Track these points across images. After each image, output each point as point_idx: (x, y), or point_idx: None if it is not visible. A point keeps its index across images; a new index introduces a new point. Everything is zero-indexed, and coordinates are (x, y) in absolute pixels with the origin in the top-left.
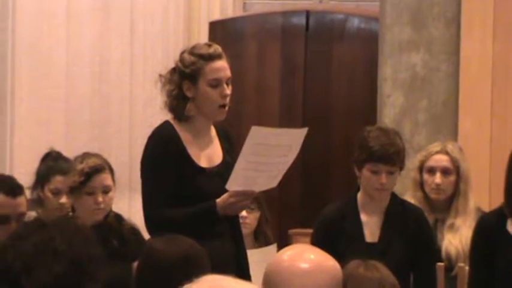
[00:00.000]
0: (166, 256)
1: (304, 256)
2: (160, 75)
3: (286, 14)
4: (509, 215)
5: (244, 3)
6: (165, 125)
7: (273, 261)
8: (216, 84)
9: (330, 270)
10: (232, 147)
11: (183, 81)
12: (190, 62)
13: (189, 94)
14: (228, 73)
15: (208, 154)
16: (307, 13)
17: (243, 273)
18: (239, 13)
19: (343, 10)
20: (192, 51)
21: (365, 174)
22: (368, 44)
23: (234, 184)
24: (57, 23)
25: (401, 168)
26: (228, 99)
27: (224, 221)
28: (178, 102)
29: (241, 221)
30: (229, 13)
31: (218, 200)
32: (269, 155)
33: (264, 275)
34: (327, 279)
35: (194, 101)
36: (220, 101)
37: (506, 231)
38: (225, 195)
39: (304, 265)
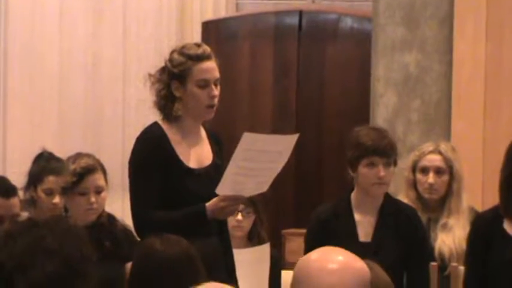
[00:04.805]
0: (168, 256)
1: (332, 257)
2: (150, 74)
3: (279, 14)
4: (504, 214)
5: (237, 3)
6: (154, 126)
7: (301, 262)
8: (204, 84)
9: (357, 271)
10: (221, 150)
11: (172, 80)
12: (179, 62)
13: (177, 94)
14: (217, 74)
15: (198, 155)
16: (300, 13)
17: (230, 273)
18: (232, 13)
19: (336, 10)
20: (181, 51)
21: (362, 171)
22: (361, 43)
23: (224, 188)
24: (49, 24)
25: (395, 163)
26: (215, 100)
27: (213, 220)
28: (166, 102)
29: (236, 224)
30: (222, 13)
31: (208, 204)
32: (259, 161)
33: (292, 277)
34: (354, 280)
35: (182, 101)
36: (207, 102)
37: (503, 230)
38: (214, 200)
39: (332, 265)
